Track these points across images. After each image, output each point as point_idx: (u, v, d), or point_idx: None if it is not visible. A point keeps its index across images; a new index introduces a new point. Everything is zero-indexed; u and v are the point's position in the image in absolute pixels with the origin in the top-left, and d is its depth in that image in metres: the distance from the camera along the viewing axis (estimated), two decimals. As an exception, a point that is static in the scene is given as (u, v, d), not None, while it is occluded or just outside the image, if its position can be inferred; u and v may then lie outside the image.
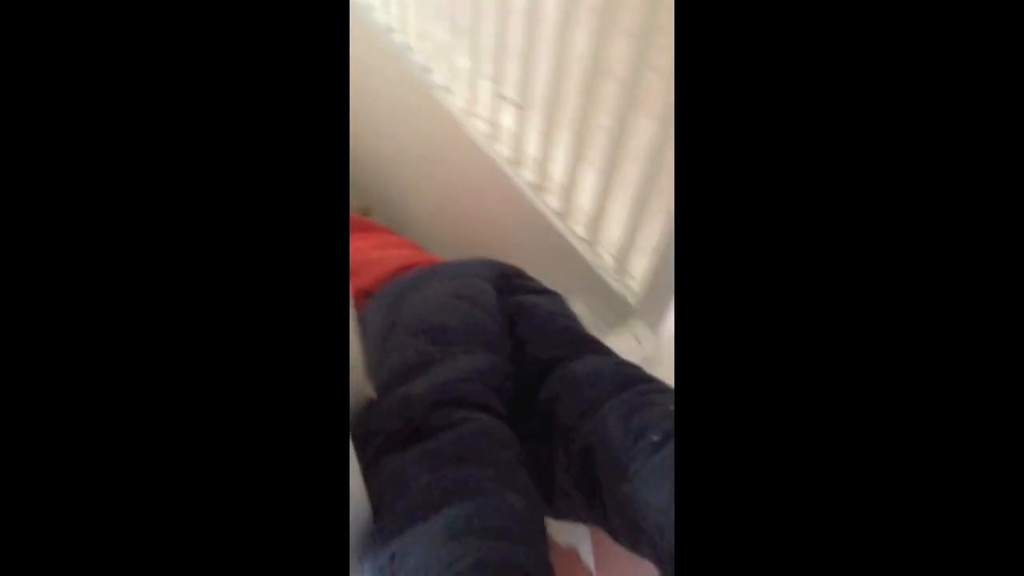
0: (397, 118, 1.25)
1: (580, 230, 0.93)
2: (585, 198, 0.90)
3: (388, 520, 0.49)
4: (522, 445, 0.58)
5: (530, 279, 0.83)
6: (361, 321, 0.71)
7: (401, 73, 1.11)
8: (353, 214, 1.20)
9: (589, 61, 0.76)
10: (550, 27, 0.79)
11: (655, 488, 0.52)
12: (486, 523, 0.47)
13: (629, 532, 0.56)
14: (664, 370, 0.65)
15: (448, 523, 0.47)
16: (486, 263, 0.82)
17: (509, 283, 0.78)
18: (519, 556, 0.47)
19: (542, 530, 0.52)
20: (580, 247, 0.92)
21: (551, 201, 0.95)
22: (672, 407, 0.56)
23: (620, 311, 0.87)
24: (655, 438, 0.54)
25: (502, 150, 1.00)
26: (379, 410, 0.58)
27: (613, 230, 0.88)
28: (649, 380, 0.63)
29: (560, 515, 0.67)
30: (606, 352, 0.70)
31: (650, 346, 0.86)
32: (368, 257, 0.92)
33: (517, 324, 0.73)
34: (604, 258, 0.91)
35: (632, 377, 0.63)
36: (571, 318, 0.77)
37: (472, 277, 0.75)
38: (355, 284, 0.80)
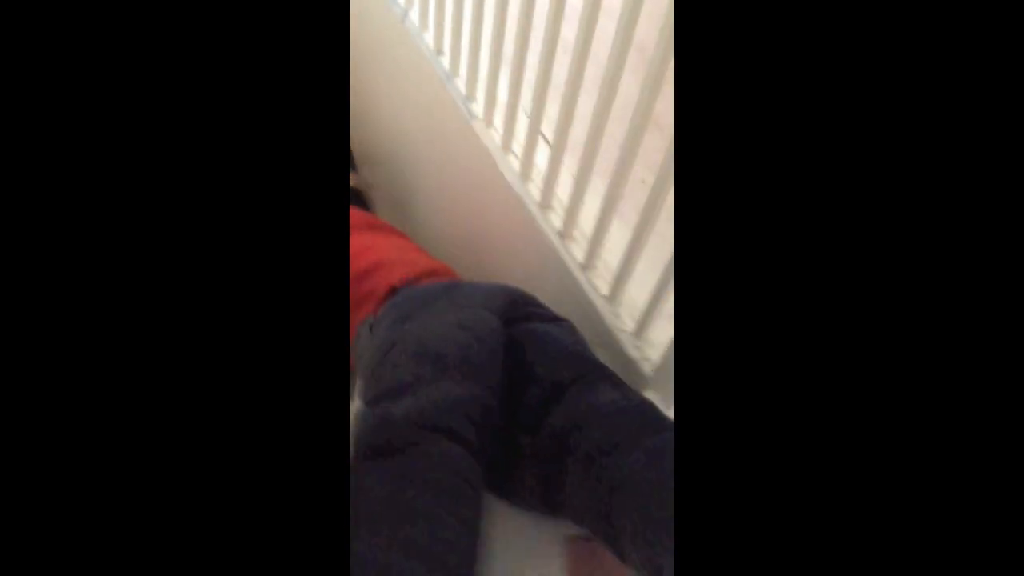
0: (435, 144, 1.22)
1: (603, 287, 0.87)
2: (612, 254, 0.84)
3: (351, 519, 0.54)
4: (524, 460, 0.69)
5: (541, 307, 0.85)
6: (373, 324, 0.80)
7: (442, 98, 1.08)
8: (377, 219, 1.24)
9: (635, 109, 0.71)
10: (598, 69, 0.74)
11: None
12: (421, 547, 0.52)
13: (643, 566, 0.58)
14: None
15: (390, 541, 0.52)
16: (499, 290, 0.83)
17: (520, 311, 0.81)
18: None
19: (470, 556, 0.56)
20: (600, 305, 0.86)
21: (576, 252, 0.89)
22: None
23: (634, 379, 0.80)
24: None
25: (533, 191, 0.95)
26: (365, 420, 0.63)
27: (638, 292, 0.82)
28: (670, 424, 0.65)
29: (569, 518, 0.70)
30: (618, 381, 0.72)
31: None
32: (392, 256, 0.96)
33: (526, 350, 0.75)
34: (624, 320, 0.85)
35: (655, 420, 0.66)
36: (580, 343, 0.79)
37: (479, 308, 0.77)
38: (385, 279, 0.88)
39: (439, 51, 1.09)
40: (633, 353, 0.82)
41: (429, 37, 1.11)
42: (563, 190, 0.91)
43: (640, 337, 0.83)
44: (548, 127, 0.88)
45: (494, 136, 1.00)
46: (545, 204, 0.94)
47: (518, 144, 0.97)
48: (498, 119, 0.98)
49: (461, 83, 1.04)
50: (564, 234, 0.91)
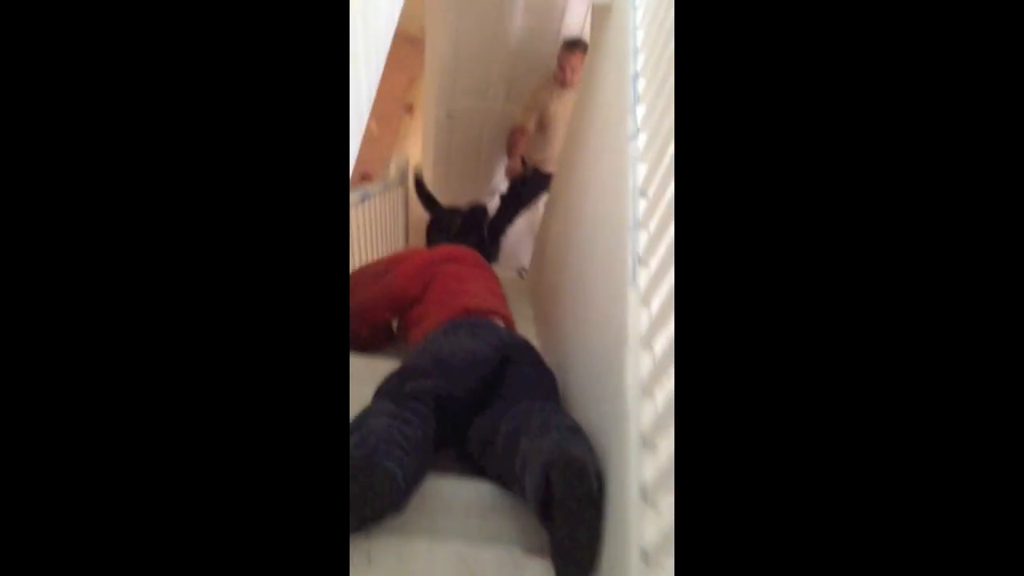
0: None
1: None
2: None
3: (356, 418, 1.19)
4: (483, 450, 1.26)
5: (533, 352, 1.48)
6: (429, 337, 1.50)
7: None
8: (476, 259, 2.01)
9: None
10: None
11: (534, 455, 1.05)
12: (389, 444, 1.08)
13: (519, 482, 1.11)
14: None
15: (360, 436, 1.09)
16: (503, 335, 1.49)
17: (515, 352, 1.43)
18: (393, 465, 1.03)
19: (416, 464, 1.10)
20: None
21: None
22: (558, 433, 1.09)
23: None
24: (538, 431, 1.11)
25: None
26: (391, 378, 1.35)
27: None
28: (570, 424, 1.15)
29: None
30: (557, 403, 1.37)
31: None
32: (477, 290, 1.74)
33: (505, 381, 1.37)
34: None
35: (557, 420, 1.17)
36: (545, 388, 1.40)
37: (483, 343, 1.41)
38: (462, 304, 1.62)
39: (643, 192, 1.14)
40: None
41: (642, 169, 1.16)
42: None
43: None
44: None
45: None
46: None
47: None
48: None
49: (644, 236, 1.07)
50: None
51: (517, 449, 1.11)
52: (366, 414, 1.19)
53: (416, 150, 4.16)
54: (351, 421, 1.16)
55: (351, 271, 1.94)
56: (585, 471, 0.99)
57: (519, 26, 3.17)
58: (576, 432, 1.11)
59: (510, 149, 3.40)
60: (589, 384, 1.27)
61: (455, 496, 1.17)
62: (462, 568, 1.01)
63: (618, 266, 1.15)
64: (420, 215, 3.84)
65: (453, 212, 3.16)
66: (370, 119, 1.61)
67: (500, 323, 1.60)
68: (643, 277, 1.03)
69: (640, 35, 1.48)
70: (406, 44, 4.54)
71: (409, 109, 4.52)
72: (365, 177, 3.87)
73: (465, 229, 3.01)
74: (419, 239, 3.59)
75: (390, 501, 1.02)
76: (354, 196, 2.07)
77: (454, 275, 1.76)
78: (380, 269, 1.90)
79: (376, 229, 2.59)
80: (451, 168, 3.87)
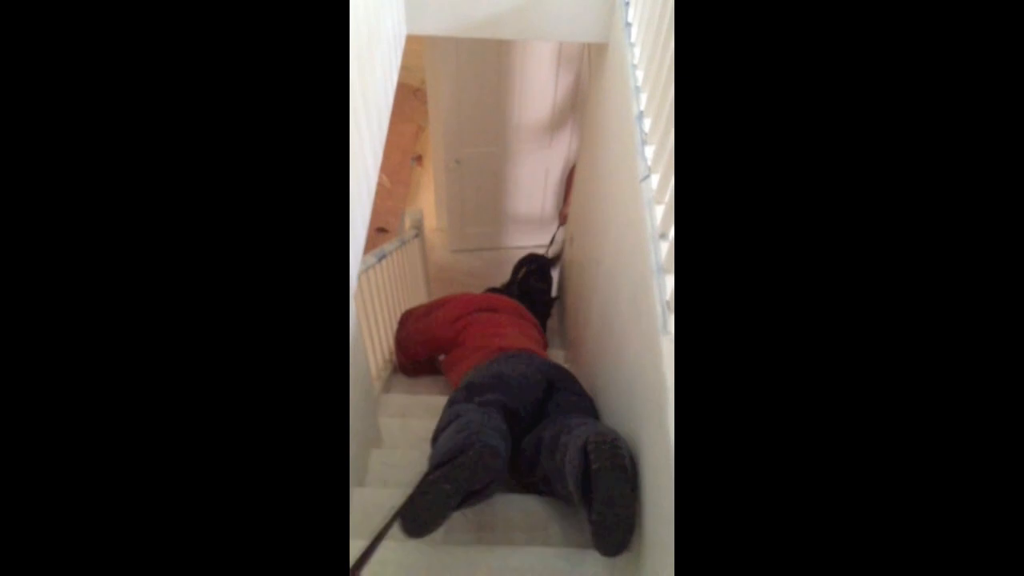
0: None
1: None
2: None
3: (443, 425, 1.35)
4: (529, 458, 1.40)
5: (575, 382, 1.64)
6: (484, 365, 1.69)
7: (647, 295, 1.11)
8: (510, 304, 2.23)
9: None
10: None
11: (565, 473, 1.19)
12: (487, 427, 1.26)
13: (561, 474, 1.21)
14: None
15: (461, 423, 1.28)
16: (549, 366, 1.66)
17: (559, 378, 1.61)
18: (496, 453, 1.17)
19: (505, 442, 1.28)
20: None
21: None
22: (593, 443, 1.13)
23: None
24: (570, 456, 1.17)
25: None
26: (458, 393, 1.52)
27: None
28: (613, 438, 1.15)
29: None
30: (596, 419, 1.50)
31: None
32: (512, 334, 1.95)
33: (551, 404, 1.53)
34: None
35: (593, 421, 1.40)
36: (586, 410, 1.53)
37: (533, 368, 1.60)
38: (488, 348, 1.83)
39: (663, 234, 1.14)
40: None
41: (659, 211, 1.16)
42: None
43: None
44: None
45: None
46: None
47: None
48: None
49: (669, 280, 1.07)
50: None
51: (558, 446, 1.25)
52: (457, 411, 1.36)
53: (430, 197, 4.20)
54: (443, 418, 1.38)
55: (404, 312, 2.30)
56: (618, 444, 1.11)
57: (519, 71, 3.22)
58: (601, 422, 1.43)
59: (567, 192, 3.36)
60: (631, 440, 1.23)
61: (523, 510, 1.41)
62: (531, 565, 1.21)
63: (646, 313, 1.13)
64: (439, 264, 3.86)
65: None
66: (380, 173, 1.63)
67: (545, 360, 1.74)
68: (672, 323, 1.01)
69: (640, 74, 1.48)
70: (410, 96, 4.64)
71: (419, 160, 4.58)
72: (381, 231, 3.91)
73: (517, 278, 3.19)
74: (441, 286, 3.61)
75: (497, 474, 1.18)
76: (371, 257, 2.08)
77: (489, 321, 2.00)
78: (424, 312, 2.18)
79: (396, 283, 2.61)
80: (465, 213, 3.90)
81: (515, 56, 3.15)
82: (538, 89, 3.32)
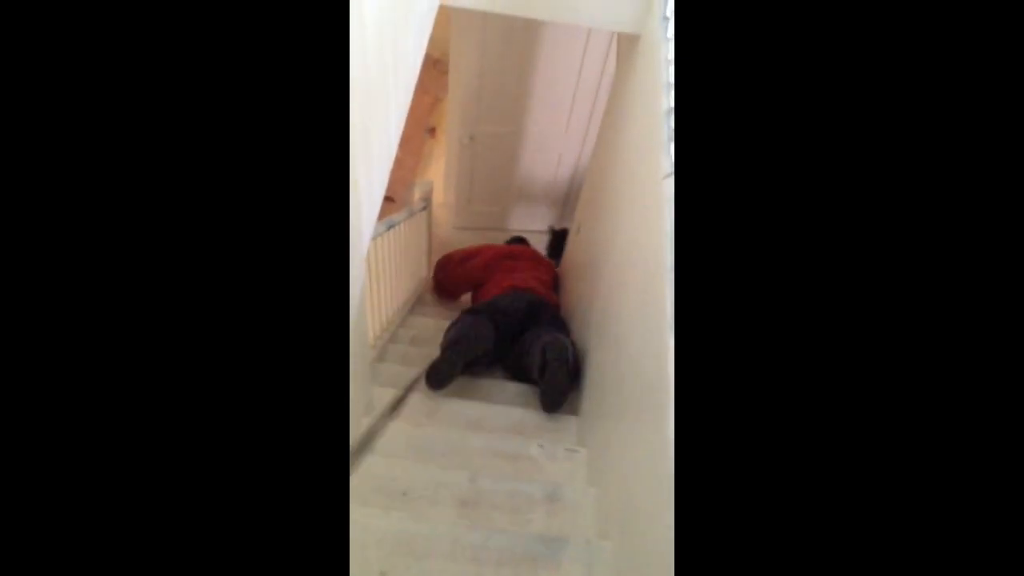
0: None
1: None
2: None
3: (452, 327, 2.23)
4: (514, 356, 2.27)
5: (553, 308, 2.50)
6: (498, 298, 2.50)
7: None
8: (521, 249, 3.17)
9: None
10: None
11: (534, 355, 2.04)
12: (480, 324, 2.20)
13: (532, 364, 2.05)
14: None
15: (461, 326, 2.19)
16: (534, 300, 2.45)
17: (540, 307, 2.41)
18: (485, 338, 2.13)
19: (488, 331, 2.18)
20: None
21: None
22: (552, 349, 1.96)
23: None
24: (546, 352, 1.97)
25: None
26: (471, 310, 2.42)
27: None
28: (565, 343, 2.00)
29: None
30: (561, 333, 2.15)
31: None
32: (525, 277, 2.74)
33: (533, 323, 2.30)
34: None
35: (556, 330, 2.19)
36: (558, 327, 2.26)
37: (521, 301, 2.41)
38: (502, 285, 2.66)
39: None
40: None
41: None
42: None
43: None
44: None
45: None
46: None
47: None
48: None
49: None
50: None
51: (530, 348, 2.08)
52: (459, 319, 2.24)
53: (439, 171, 4.18)
54: (451, 324, 2.22)
55: (444, 256, 3.22)
56: (565, 347, 1.95)
57: (544, 53, 3.18)
58: (567, 336, 2.13)
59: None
60: (628, 434, 1.24)
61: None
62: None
63: (653, 308, 1.13)
64: (441, 239, 3.85)
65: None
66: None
67: (535, 294, 2.52)
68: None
69: (673, 70, 1.47)
70: (429, 66, 4.59)
71: (432, 132, 4.55)
72: (388, 200, 3.89)
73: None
74: (440, 256, 3.60)
75: (487, 350, 2.09)
76: (381, 226, 2.07)
77: (509, 267, 2.88)
78: (461, 259, 3.11)
79: (401, 253, 2.60)
80: (472, 190, 3.88)
81: (542, 38, 3.12)
82: (561, 74, 3.29)
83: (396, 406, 1.79)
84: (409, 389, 1.91)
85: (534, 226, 4.04)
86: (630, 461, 1.16)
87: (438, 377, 1.90)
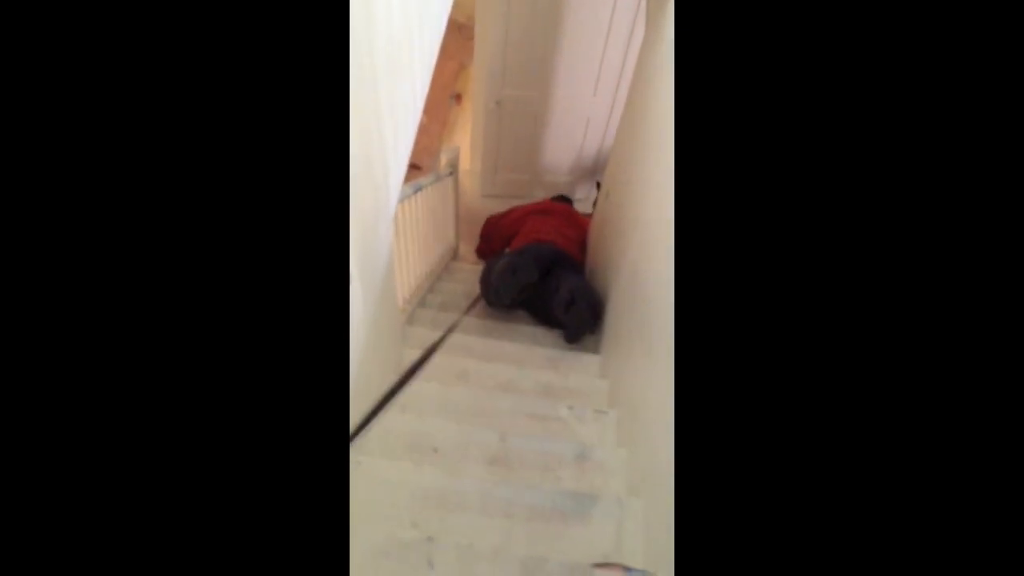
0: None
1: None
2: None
3: (492, 263, 2.56)
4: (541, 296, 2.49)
5: (573, 258, 2.70)
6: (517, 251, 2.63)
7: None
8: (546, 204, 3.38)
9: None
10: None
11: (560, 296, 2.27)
12: (523, 255, 2.50)
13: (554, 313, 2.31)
14: None
15: (506, 260, 2.47)
16: (557, 251, 2.64)
17: (561, 258, 2.61)
18: (530, 266, 2.43)
19: (535, 269, 2.45)
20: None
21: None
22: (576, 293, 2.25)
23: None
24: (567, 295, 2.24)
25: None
26: (503, 255, 2.67)
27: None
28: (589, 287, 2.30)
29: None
30: (580, 276, 2.55)
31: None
32: (542, 229, 2.94)
33: (555, 270, 2.49)
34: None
35: (580, 276, 2.48)
36: (579, 272, 2.60)
37: (546, 251, 2.59)
38: (530, 237, 2.86)
39: None
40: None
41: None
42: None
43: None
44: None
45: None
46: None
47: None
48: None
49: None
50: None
51: (556, 290, 2.28)
52: (501, 257, 2.49)
53: (465, 138, 4.16)
54: (488, 265, 2.54)
55: (490, 217, 3.52)
56: (588, 290, 2.21)
57: (571, 15, 3.12)
58: (590, 283, 2.37)
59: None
60: (657, 396, 1.24)
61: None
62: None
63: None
64: (467, 207, 3.84)
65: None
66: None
67: (557, 247, 2.70)
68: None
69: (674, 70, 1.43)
70: (454, 31, 4.54)
71: (458, 98, 4.51)
72: (414, 167, 3.88)
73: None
74: (467, 228, 3.60)
75: (532, 276, 2.37)
76: (408, 188, 2.07)
77: (539, 221, 3.05)
78: (499, 216, 3.44)
79: (429, 217, 2.60)
80: (499, 158, 3.86)
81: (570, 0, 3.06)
82: (589, 35, 3.22)
83: (430, 354, 1.94)
84: (446, 334, 2.15)
85: (562, 193, 4.00)
86: (660, 422, 1.16)
87: (498, 295, 2.34)
